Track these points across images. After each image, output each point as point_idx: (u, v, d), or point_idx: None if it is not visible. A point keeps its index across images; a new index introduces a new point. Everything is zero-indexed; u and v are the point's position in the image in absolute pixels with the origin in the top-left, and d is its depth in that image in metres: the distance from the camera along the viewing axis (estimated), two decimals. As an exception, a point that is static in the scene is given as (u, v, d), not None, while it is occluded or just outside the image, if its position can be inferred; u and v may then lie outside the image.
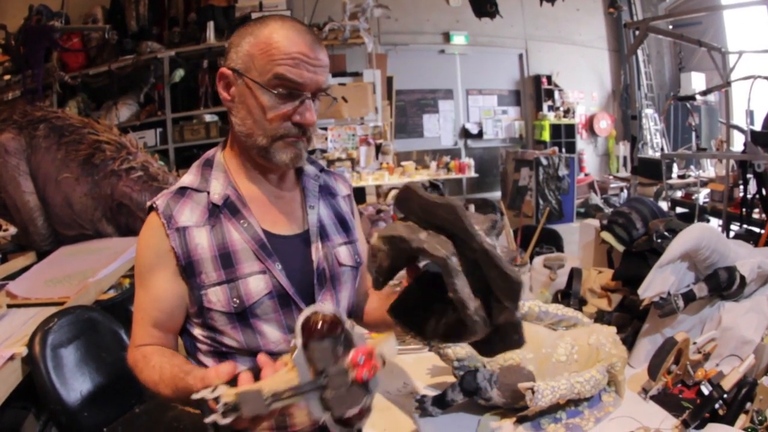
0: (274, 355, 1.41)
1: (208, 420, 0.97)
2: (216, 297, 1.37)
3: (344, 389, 1.04)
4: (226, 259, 1.38)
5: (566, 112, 11.88)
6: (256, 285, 1.37)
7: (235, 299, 1.37)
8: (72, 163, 4.21)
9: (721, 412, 1.37)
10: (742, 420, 1.37)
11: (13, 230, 4.74)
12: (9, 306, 2.86)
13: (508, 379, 1.42)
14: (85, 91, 7.53)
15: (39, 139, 4.26)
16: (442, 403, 1.49)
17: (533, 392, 1.35)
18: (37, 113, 4.36)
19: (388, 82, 8.67)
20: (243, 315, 1.36)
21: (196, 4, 8.04)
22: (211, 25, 7.51)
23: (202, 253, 1.37)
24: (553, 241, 3.46)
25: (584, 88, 12.27)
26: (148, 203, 1.44)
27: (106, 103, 7.53)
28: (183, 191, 1.43)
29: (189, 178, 1.47)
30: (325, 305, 1.22)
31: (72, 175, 4.21)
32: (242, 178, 1.47)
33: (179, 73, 7.54)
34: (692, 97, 7.26)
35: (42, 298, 2.93)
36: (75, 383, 2.20)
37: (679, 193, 7.56)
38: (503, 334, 1.07)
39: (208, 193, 1.43)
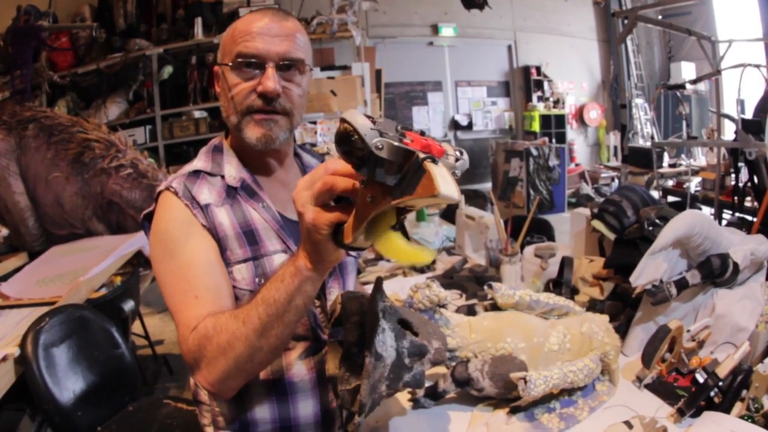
0: (291, 338, 1.41)
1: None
2: (241, 275, 1.37)
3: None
4: (250, 236, 1.40)
5: (556, 102, 11.90)
6: (280, 263, 1.34)
7: (260, 278, 1.38)
8: (62, 162, 4.20)
9: (716, 400, 1.36)
10: (738, 408, 1.37)
11: (5, 232, 4.72)
12: (1, 307, 2.84)
13: (500, 369, 1.41)
14: (74, 90, 7.47)
15: (28, 139, 4.25)
16: (434, 394, 1.48)
17: (525, 382, 1.34)
18: (26, 113, 4.35)
19: (377, 75, 8.63)
20: None
21: (184, 0, 7.99)
22: (199, 21, 7.46)
23: (226, 231, 1.38)
24: (544, 231, 3.47)
25: (574, 78, 12.29)
26: (160, 187, 1.42)
27: (95, 102, 7.48)
28: (197, 174, 1.44)
29: (200, 163, 1.48)
30: None
31: (62, 175, 4.20)
32: (249, 165, 1.50)
33: (168, 70, 7.50)
34: (682, 86, 7.26)
35: (34, 298, 2.92)
36: (68, 382, 2.19)
37: (670, 182, 7.58)
38: None
39: (222, 177, 1.45)
